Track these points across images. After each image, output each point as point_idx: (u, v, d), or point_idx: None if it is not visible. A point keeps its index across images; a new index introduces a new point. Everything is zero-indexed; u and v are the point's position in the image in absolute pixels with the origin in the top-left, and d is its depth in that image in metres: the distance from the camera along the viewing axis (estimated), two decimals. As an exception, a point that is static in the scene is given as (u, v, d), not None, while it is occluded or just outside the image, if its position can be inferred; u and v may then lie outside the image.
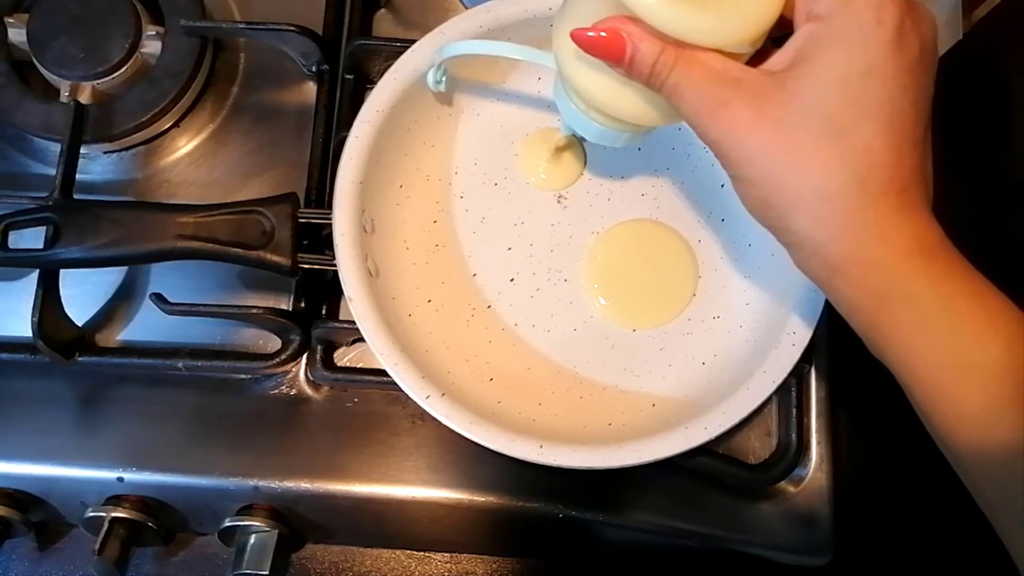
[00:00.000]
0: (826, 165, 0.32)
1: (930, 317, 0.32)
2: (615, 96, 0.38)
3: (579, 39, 0.35)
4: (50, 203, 0.47)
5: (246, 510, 0.50)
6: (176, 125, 0.55)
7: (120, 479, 0.49)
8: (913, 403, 0.34)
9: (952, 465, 0.34)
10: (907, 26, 0.32)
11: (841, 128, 0.32)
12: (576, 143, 0.52)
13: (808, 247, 0.34)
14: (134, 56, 0.53)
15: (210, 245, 0.46)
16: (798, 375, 0.48)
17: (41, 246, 0.46)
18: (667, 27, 0.33)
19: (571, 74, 0.39)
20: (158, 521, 0.50)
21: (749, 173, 0.34)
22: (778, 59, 0.34)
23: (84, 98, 0.52)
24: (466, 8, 0.54)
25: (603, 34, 0.35)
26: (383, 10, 0.57)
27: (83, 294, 0.51)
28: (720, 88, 0.34)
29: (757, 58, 0.35)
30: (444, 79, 0.48)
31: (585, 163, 0.52)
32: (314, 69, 0.55)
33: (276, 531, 0.50)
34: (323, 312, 0.50)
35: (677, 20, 0.33)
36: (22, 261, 0.47)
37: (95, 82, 0.52)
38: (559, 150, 0.51)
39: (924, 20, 0.33)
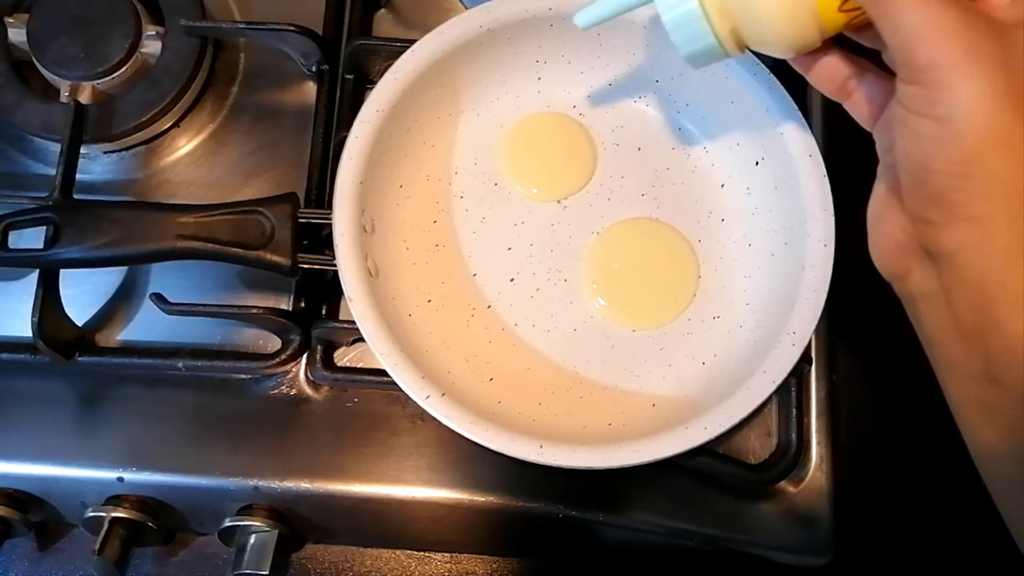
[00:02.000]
0: None
1: None
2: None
3: None
4: (50, 203, 0.47)
5: (246, 510, 0.50)
6: (176, 125, 0.55)
7: (120, 479, 0.49)
8: None
9: None
10: None
11: None
12: (579, 153, 0.51)
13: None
14: (134, 56, 0.53)
15: (210, 245, 0.46)
16: (798, 375, 0.48)
17: (41, 246, 0.46)
18: None
19: None
20: (158, 521, 0.50)
21: (954, 111, 0.30)
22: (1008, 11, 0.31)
23: (84, 98, 0.52)
24: (466, 8, 0.54)
25: None
26: (383, 10, 0.57)
27: (83, 294, 0.51)
28: (956, 14, 0.30)
29: None
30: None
31: (593, 172, 0.51)
32: (314, 69, 0.55)
33: (276, 531, 0.50)
34: (323, 312, 0.50)
35: None
36: (22, 261, 0.47)
37: (95, 82, 0.52)
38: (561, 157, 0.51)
39: None
